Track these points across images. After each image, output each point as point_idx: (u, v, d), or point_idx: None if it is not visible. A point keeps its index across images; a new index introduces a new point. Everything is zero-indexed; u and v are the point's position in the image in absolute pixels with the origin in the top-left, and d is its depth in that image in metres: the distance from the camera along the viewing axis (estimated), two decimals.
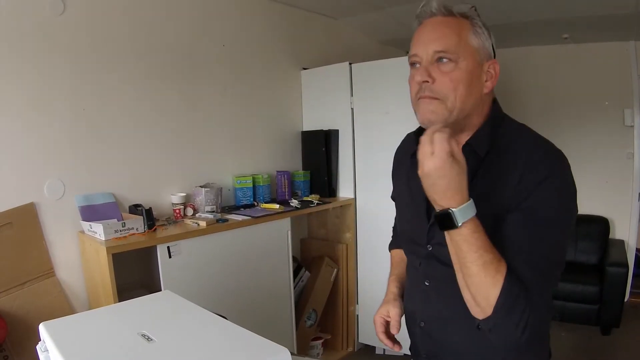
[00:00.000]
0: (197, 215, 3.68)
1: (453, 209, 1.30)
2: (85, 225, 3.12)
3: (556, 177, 1.40)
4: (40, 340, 1.58)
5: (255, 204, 4.19)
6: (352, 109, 4.55)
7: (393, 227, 2.20)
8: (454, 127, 1.46)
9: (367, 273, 4.66)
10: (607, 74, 6.01)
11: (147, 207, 3.27)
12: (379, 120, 4.36)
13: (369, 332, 4.74)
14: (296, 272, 4.44)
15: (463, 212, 1.30)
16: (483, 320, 1.37)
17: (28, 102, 3.00)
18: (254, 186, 4.25)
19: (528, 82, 6.58)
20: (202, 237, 3.32)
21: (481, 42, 1.50)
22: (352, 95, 4.54)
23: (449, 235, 1.36)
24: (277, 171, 4.57)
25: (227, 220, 3.57)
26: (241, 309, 3.46)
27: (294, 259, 4.32)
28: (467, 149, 1.49)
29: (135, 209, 3.34)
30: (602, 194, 6.17)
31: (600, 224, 5.99)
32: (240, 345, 1.47)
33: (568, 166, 1.45)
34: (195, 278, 3.27)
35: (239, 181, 4.15)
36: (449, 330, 1.62)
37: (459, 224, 1.30)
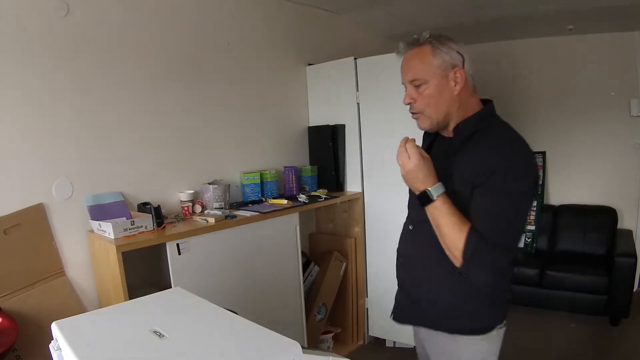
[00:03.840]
0: (205, 212, 3.68)
1: (429, 189, 1.90)
2: (95, 224, 3.13)
3: (511, 166, 1.82)
4: (52, 339, 1.58)
5: (263, 199, 4.20)
6: (358, 103, 4.54)
7: None
8: (441, 125, 2.05)
9: (376, 266, 4.66)
10: (613, 64, 5.98)
11: (155, 205, 3.28)
12: (385, 114, 4.35)
13: (379, 325, 4.76)
14: (305, 267, 4.44)
15: (436, 189, 1.89)
16: (460, 268, 1.86)
17: (34, 104, 3.01)
18: (261, 182, 4.25)
19: (533, 73, 6.56)
20: (211, 233, 3.33)
21: (442, 59, 1.94)
22: (357, 90, 4.52)
23: (427, 210, 1.93)
24: (285, 167, 4.58)
25: (235, 216, 3.57)
26: (251, 305, 3.47)
27: (303, 253, 4.32)
28: (456, 131, 2.01)
29: (144, 207, 3.35)
30: (610, 185, 6.17)
31: (608, 215, 5.96)
32: (252, 340, 1.48)
33: (525, 159, 1.89)
34: (205, 274, 3.28)
35: (246, 177, 4.15)
36: (415, 265, 2.17)
37: (434, 198, 1.88)
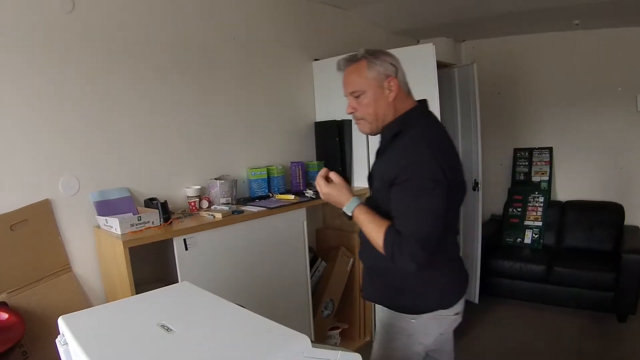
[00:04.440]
0: (212, 207, 3.69)
1: (343, 208, 2.25)
2: (101, 220, 3.13)
3: (414, 164, 2.06)
4: (59, 334, 1.58)
5: (270, 195, 4.19)
6: None
7: None
8: (380, 129, 2.31)
9: None
10: (619, 60, 5.96)
11: (162, 201, 3.28)
12: None
13: None
14: (312, 263, 4.44)
15: (349, 207, 2.22)
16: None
17: (40, 100, 3.01)
18: (268, 177, 4.25)
19: (539, 69, 6.54)
20: (218, 229, 3.32)
21: (376, 72, 2.20)
22: None
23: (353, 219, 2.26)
24: (292, 162, 4.56)
25: (242, 211, 3.57)
26: (258, 300, 3.46)
27: (310, 249, 4.31)
28: (382, 134, 2.33)
29: (150, 202, 3.35)
30: (616, 181, 6.16)
31: (615, 211, 5.95)
32: (261, 334, 1.48)
33: (427, 157, 2.05)
34: (212, 270, 3.28)
35: (253, 173, 4.14)
36: (367, 247, 2.29)
37: (350, 213, 2.23)
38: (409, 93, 2.32)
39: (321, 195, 2.32)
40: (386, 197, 2.14)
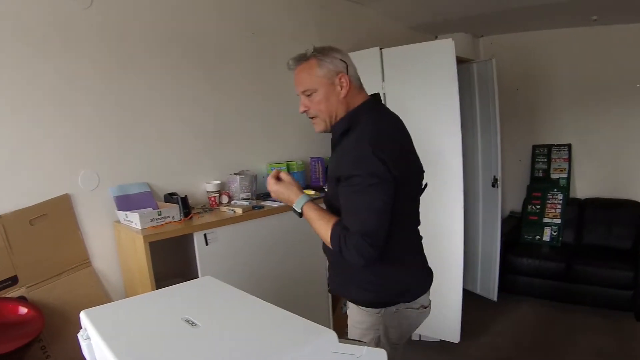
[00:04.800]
0: (232, 202, 3.70)
1: (293, 205, 2.29)
2: (121, 214, 3.13)
3: (355, 162, 2.06)
4: (81, 328, 1.57)
5: None
6: (384, 94, 4.48)
7: None
8: (335, 123, 2.29)
9: None
10: (638, 55, 5.89)
11: (182, 196, 3.28)
12: (411, 104, 4.29)
13: None
14: None
15: (297, 204, 2.27)
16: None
17: (59, 95, 3.02)
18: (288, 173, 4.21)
19: (557, 65, 6.48)
20: (239, 224, 3.33)
21: (327, 69, 2.21)
22: (383, 80, 4.47)
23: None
24: (311, 157, 4.57)
25: (262, 207, 3.58)
26: (278, 295, 3.43)
27: None
28: (332, 131, 2.31)
29: (170, 197, 3.35)
30: (636, 178, 6.09)
31: (634, 209, 5.88)
32: (286, 327, 1.48)
33: (367, 153, 2.03)
34: (232, 265, 3.28)
35: (272, 168, 4.11)
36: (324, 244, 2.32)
37: (299, 210, 2.27)
38: (361, 87, 2.33)
39: (271, 194, 2.38)
40: (336, 194, 2.18)
